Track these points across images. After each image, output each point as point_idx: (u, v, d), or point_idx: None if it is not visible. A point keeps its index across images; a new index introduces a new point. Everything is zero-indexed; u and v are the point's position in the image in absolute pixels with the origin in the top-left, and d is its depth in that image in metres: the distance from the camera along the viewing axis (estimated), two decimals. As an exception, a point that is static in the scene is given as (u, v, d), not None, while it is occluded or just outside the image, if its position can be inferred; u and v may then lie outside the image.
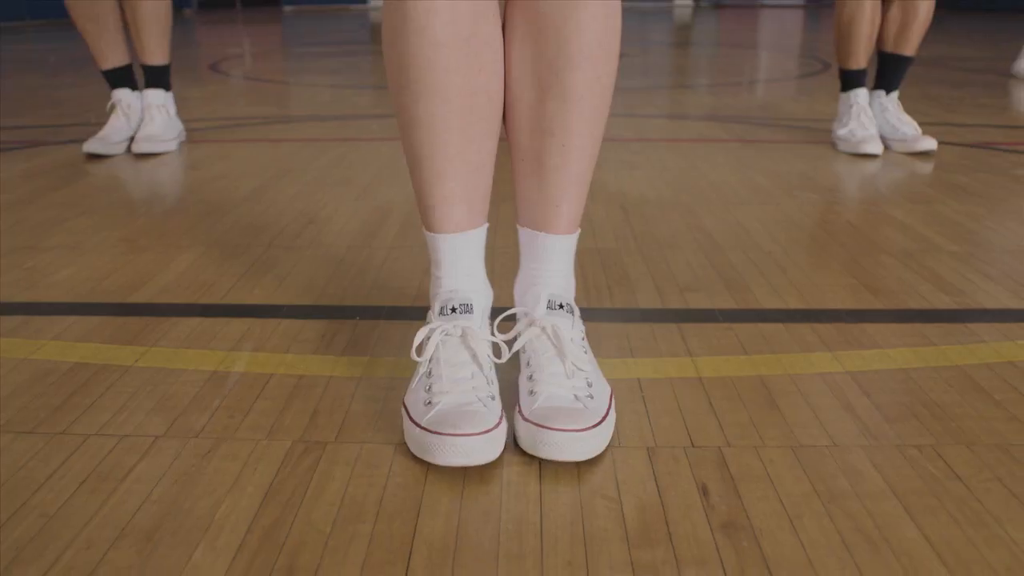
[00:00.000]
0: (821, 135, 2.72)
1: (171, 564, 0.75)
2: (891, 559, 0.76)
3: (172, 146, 2.59)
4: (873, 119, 2.50)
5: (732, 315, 1.30)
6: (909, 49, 2.48)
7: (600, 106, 0.99)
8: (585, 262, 1.53)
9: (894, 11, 2.44)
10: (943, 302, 1.35)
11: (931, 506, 0.83)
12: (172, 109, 2.65)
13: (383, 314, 1.31)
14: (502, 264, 1.49)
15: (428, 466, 0.90)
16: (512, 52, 0.98)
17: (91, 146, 2.48)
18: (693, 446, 0.94)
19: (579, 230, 1.06)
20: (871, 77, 2.56)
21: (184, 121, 2.75)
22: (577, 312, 1.04)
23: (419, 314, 1.29)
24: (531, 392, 0.95)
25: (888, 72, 2.53)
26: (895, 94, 2.54)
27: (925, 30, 2.45)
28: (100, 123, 2.64)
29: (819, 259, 1.56)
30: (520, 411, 0.94)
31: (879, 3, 2.42)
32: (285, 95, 4.07)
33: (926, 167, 2.33)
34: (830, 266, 1.52)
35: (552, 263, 1.05)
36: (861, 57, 2.47)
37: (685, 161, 2.41)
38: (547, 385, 0.95)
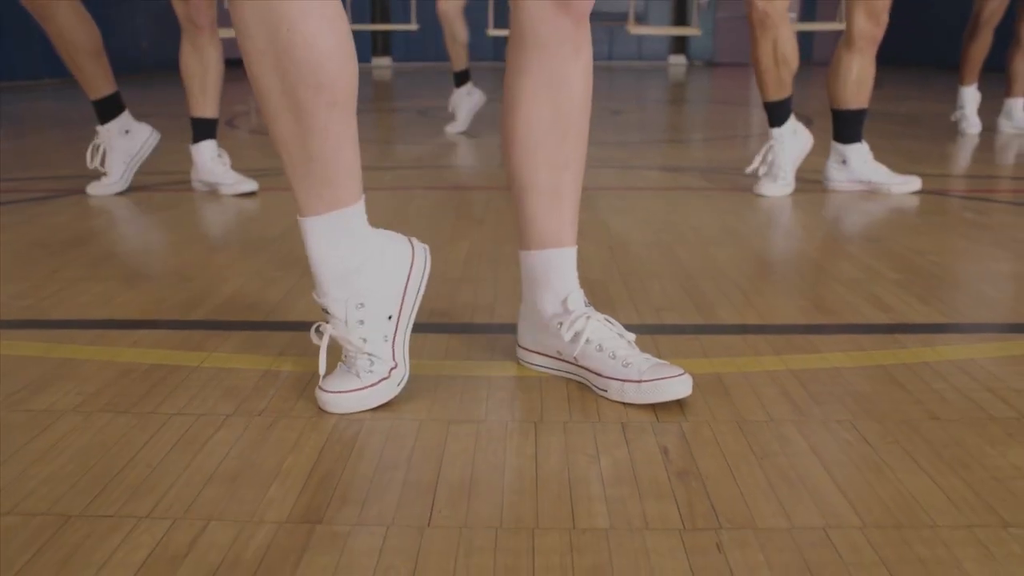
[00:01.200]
0: (799, 184, 2.97)
1: (252, 497, 0.98)
2: (804, 494, 0.99)
3: (247, 187, 2.90)
4: (774, 162, 2.81)
5: (698, 328, 1.54)
6: (844, 104, 2.76)
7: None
8: (576, 288, 1.77)
9: (836, 69, 2.74)
10: (879, 318, 1.59)
11: (841, 461, 1.06)
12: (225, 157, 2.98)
13: (404, 328, 1.55)
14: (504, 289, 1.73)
15: (446, 435, 1.13)
16: (531, 107, 1.26)
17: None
18: (659, 421, 1.17)
19: None
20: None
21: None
22: None
23: (434, 327, 1.53)
24: (626, 364, 1.22)
25: (838, 125, 2.82)
26: (857, 145, 2.80)
27: (861, 86, 2.73)
28: (149, 171, 2.90)
29: (779, 287, 1.80)
30: (627, 380, 1.21)
31: (781, 35, 2.68)
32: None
33: (886, 211, 2.58)
34: (787, 292, 1.76)
35: (569, 271, 1.32)
36: (768, 88, 2.76)
37: (670, 208, 2.66)
38: (633, 357, 1.23)
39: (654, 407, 1.21)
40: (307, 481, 1.02)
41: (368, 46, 15.54)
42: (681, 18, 14.13)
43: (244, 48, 1.10)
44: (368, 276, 1.19)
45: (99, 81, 2.80)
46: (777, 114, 2.79)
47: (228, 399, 1.24)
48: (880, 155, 2.92)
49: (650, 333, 1.51)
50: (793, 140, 2.82)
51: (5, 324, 1.58)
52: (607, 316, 1.31)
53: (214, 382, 1.31)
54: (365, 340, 1.20)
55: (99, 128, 2.88)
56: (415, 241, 1.29)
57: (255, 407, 1.22)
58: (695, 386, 1.25)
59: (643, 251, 2.10)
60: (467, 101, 4.66)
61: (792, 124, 2.81)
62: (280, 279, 1.86)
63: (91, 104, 2.86)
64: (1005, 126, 4.48)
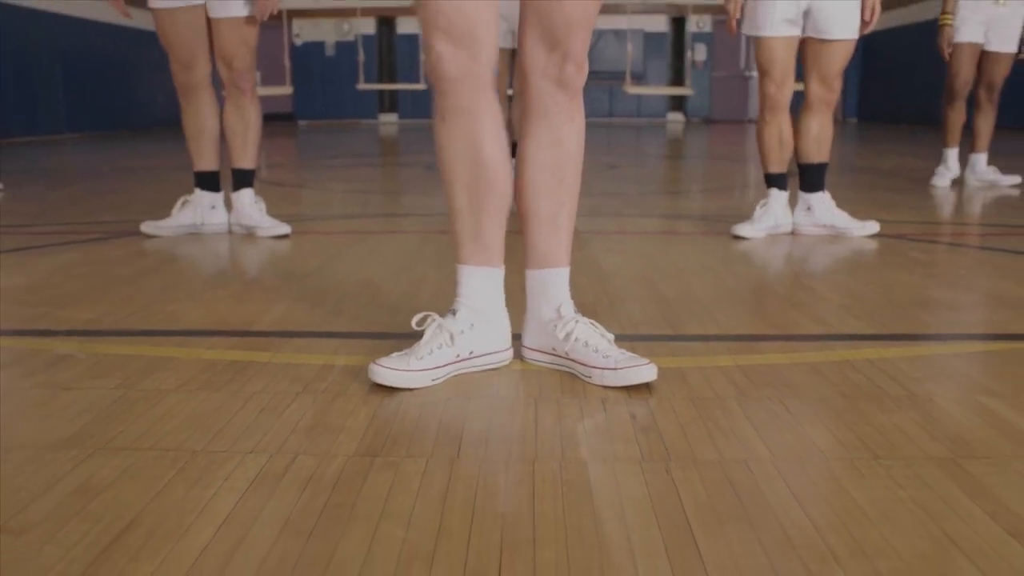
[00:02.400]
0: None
1: (326, 441, 1.33)
2: (733, 440, 1.33)
3: (281, 229, 3.26)
4: (777, 213, 3.17)
5: (668, 337, 1.90)
6: (807, 159, 3.15)
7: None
8: (570, 309, 2.12)
9: (798, 128, 3.13)
10: (816, 330, 1.94)
11: (765, 421, 1.41)
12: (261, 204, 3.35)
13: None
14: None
15: (467, 405, 1.48)
16: (535, 159, 1.64)
17: (148, 227, 3.26)
18: (630, 398, 1.52)
19: None
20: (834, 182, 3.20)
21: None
22: None
23: (454, 336, 1.88)
24: (605, 356, 1.57)
25: (803, 177, 3.20)
26: (820, 194, 3.18)
27: (821, 142, 3.12)
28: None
29: (740, 309, 2.16)
30: (606, 368, 1.56)
31: (785, 120, 3.08)
32: (316, 198, 4.74)
33: (845, 251, 2.94)
34: (747, 313, 2.12)
35: (563, 285, 1.68)
36: (770, 164, 3.15)
37: (658, 249, 3.03)
38: (612, 351, 1.59)
39: (627, 388, 1.56)
40: (365, 432, 1.37)
41: (375, 103, 16.09)
42: (678, 78, 14.70)
43: (445, 154, 1.61)
44: (485, 318, 1.64)
45: (205, 158, 3.27)
46: (776, 181, 3.17)
47: (296, 382, 1.59)
48: (853, 203, 3.29)
49: (628, 341, 1.85)
50: (781, 208, 3.19)
51: (99, 332, 1.94)
52: (592, 320, 1.66)
53: (283, 372, 1.66)
54: (452, 339, 1.59)
55: (196, 189, 3.30)
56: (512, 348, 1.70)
57: (319, 387, 1.57)
58: (661, 376, 1.60)
59: (629, 282, 2.46)
60: None
61: (785, 197, 3.19)
62: (322, 303, 2.22)
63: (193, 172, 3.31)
64: (970, 179, 4.87)
